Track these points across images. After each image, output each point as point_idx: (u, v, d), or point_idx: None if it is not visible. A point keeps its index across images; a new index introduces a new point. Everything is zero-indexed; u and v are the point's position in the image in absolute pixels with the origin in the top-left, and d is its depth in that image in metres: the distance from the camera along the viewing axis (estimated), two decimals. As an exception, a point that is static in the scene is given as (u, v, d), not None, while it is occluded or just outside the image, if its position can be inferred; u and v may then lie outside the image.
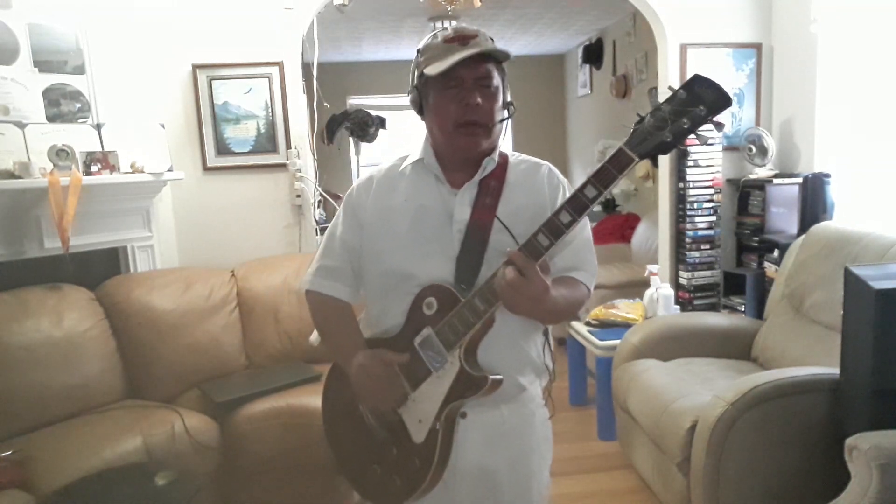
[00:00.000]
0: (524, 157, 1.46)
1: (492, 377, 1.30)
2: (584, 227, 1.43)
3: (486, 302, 1.24)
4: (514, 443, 1.41)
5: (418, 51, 1.36)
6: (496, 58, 1.33)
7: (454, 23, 5.32)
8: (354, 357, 1.38)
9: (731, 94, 1.09)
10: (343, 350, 1.43)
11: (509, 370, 1.35)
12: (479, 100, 1.29)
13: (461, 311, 1.27)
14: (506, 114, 1.37)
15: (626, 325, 3.23)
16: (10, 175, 2.50)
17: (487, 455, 1.38)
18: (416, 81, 1.36)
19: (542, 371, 1.44)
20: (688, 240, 3.52)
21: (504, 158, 1.41)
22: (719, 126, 1.16)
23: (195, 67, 3.21)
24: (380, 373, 1.33)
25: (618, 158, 1.15)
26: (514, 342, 1.37)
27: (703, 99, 1.08)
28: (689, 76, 1.14)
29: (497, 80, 1.33)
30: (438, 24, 5.28)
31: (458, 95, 1.30)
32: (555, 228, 1.20)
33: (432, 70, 1.28)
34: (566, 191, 1.41)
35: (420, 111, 1.39)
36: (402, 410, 1.36)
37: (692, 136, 1.12)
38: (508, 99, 1.38)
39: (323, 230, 2.35)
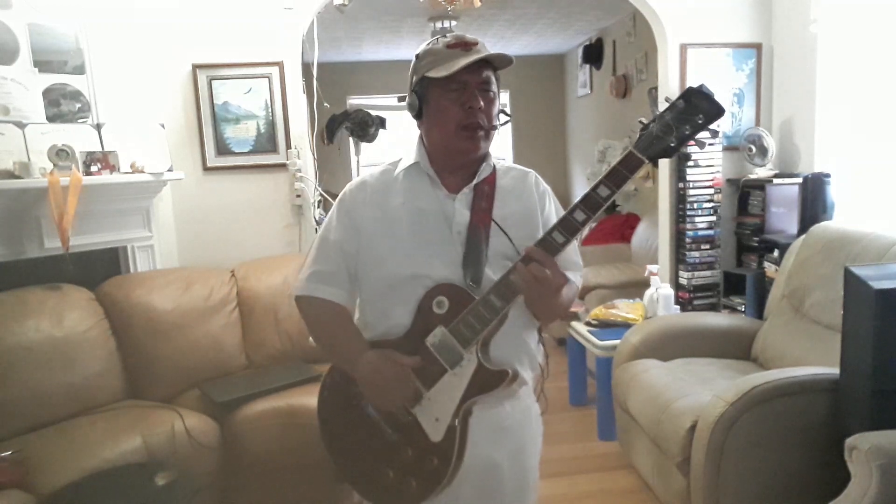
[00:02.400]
0: (509, 164, 1.51)
1: (511, 370, 1.33)
2: None
3: (502, 298, 1.27)
4: (515, 437, 1.44)
5: (417, 56, 1.38)
6: (495, 65, 1.37)
7: (454, 23, 5.32)
8: (361, 359, 1.37)
9: (723, 105, 1.21)
10: (346, 353, 1.42)
11: (513, 363, 1.38)
12: (482, 103, 1.33)
13: (477, 309, 1.29)
14: (503, 118, 1.41)
15: (626, 325, 3.23)
16: (10, 175, 2.50)
17: (492, 449, 1.40)
18: (415, 85, 1.38)
19: (536, 366, 1.48)
20: (688, 240, 3.52)
21: (493, 164, 1.46)
22: (714, 133, 1.25)
23: (195, 67, 3.21)
24: (391, 373, 1.32)
25: (628, 160, 1.24)
26: (517, 335, 1.40)
27: (700, 108, 1.20)
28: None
29: (495, 86, 1.37)
30: (438, 24, 5.27)
31: (461, 98, 1.33)
32: (570, 226, 1.26)
33: (438, 73, 1.31)
34: (551, 197, 1.49)
35: (417, 115, 1.41)
36: (416, 410, 1.35)
37: (691, 141, 1.24)
38: (501, 106, 1.42)
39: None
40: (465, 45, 1.33)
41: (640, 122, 1.25)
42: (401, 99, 1.54)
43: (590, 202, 1.25)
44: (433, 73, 1.32)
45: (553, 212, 1.48)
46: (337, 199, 1.48)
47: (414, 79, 1.39)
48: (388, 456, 1.39)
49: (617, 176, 1.24)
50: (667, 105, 1.23)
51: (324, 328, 1.47)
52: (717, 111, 1.20)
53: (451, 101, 1.33)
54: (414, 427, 1.36)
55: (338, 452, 1.49)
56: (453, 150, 1.38)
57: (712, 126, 1.24)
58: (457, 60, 1.31)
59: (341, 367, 1.46)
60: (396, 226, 1.38)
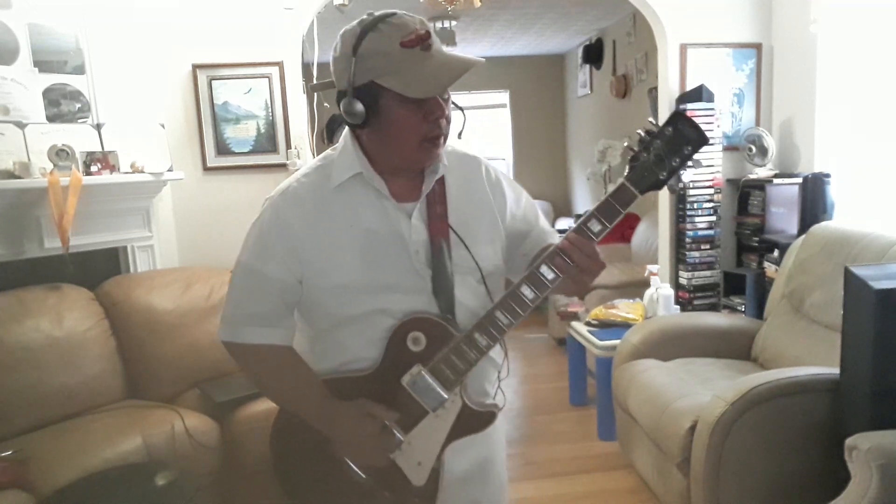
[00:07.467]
0: (454, 149, 1.30)
1: (497, 408, 1.26)
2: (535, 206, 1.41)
3: (489, 336, 1.16)
4: (483, 443, 1.32)
5: (359, 54, 1.11)
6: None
7: (454, 23, 5.31)
8: (331, 414, 1.21)
9: (707, 135, 1.19)
10: (307, 406, 1.24)
11: (479, 378, 1.28)
12: (446, 110, 1.17)
13: (459, 347, 1.17)
14: (461, 118, 1.24)
15: (626, 325, 3.23)
16: (10, 175, 2.50)
17: (462, 463, 1.29)
18: (357, 89, 1.13)
19: (497, 365, 1.34)
20: (688, 240, 3.52)
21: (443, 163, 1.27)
22: (697, 163, 1.22)
23: (195, 67, 3.21)
24: (370, 430, 1.18)
25: (621, 194, 1.17)
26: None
27: (687, 138, 1.16)
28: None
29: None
30: (438, 24, 5.27)
31: (423, 109, 1.13)
32: (536, 282, 1.17)
33: (406, 91, 1.10)
34: (507, 183, 1.34)
35: (362, 123, 1.15)
36: (395, 455, 1.22)
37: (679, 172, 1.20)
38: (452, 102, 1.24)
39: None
40: (421, 41, 1.11)
41: (631, 149, 1.18)
42: (314, 88, 1.37)
43: (582, 236, 1.17)
44: (396, 88, 1.10)
45: (511, 198, 1.33)
46: (263, 218, 1.25)
47: (355, 81, 1.12)
48: (361, 501, 1.25)
49: (609, 210, 1.16)
50: (655, 130, 1.16)
51: (272, 379, 1.28)
52: (702, 139, 1.16)
53: (411, 111, 1.12)
54: (393, 471, 1.23)
55: (295, 491, 1.31)
56: (410, 162, 1.20)
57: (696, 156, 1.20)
58: (421, 67, 1.10)
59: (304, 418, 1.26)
60: (345, 253, 1.19)
